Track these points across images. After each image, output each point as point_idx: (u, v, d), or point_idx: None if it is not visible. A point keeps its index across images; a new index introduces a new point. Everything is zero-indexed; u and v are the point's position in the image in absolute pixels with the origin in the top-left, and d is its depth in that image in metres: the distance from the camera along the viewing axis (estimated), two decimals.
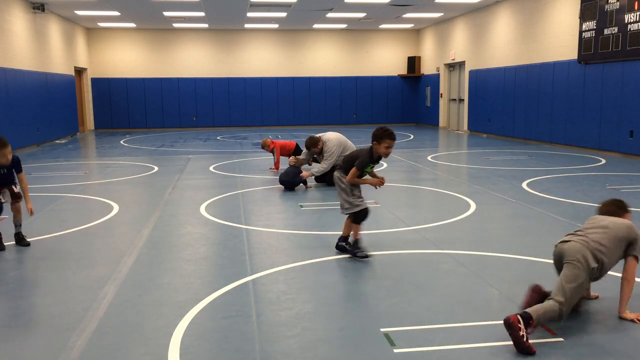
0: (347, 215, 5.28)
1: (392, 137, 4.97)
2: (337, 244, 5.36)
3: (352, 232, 5.27)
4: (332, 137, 9.01)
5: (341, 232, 5.38)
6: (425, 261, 5.19)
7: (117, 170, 11.20)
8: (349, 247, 5.25)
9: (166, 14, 18.41)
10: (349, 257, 5.22)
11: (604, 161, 11.65)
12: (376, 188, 5.29)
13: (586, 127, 13.54)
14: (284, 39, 23.34)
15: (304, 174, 8.84)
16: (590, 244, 3.68)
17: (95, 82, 22.41)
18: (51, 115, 17.29)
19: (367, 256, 5.15)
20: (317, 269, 4.92)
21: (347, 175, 5.12)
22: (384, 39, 23.98)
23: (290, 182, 8.72)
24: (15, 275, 4.89)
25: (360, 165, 5.04)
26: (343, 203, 5.25)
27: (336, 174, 5.31)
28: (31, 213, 5.63)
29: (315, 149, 9.00)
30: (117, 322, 3.83)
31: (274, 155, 10.99)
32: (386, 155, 5.05)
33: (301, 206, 7.57)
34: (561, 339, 3.46)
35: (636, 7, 11.58)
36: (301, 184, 8.93)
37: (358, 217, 5.21)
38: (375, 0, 16.58)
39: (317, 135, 9.16)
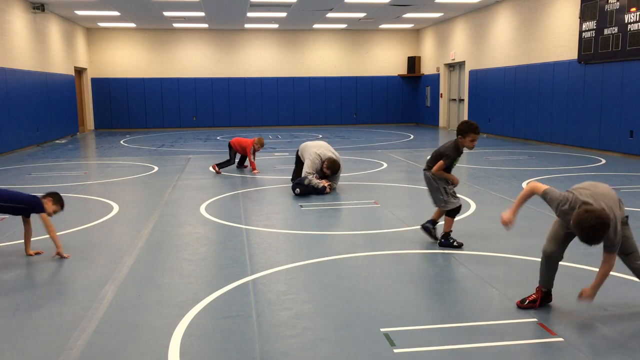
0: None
1: (477, 131, 5.28)
2: (423, 224, 5.68)
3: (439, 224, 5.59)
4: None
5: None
6: (425, 261, 5.19)
7: (117, 170, 11.20)
8: (437, 235, 5.63)
9: (166, 14, 18.41)
10: (348, 257, 5.22)
11: (604, 161, 11.65)
12: (454, 185, 5.54)
13: (586, 127, 13.54)
14: (284, 39, 23.34)
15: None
16: None
17: (95, 82, 22.41)
18: (51, 115, 17.29)
19: (461, 245, 5.44)
20: (317, 269, 4.92)
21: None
22: (384, 39, 23.97)
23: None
24: (15, 275, 4.89)
25: (448, 160, 5.36)
26: (438, 201, 5.53)
27: (428, 174, 5.54)
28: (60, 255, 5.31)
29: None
30: (117, 322, 3.83)
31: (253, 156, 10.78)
32: (471, 147, 5.34)
33: (301, 206, 7.57)
34: (561, 339, 3.47)
35: (634, 9, 11.58)
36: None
37: (453, 212, 5.49)
38: (375, 0, 16.58)
39: (329, 154, 8.55)
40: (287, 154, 13.56)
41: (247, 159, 10.86)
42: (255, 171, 10.52)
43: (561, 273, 4.70)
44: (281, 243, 5.79)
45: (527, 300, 3.97)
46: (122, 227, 6.54)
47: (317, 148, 8.63)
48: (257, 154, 11.32)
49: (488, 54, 18.22)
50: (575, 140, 13.97)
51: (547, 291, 3.98)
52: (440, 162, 5.36)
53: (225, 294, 4.29)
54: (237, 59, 23.20)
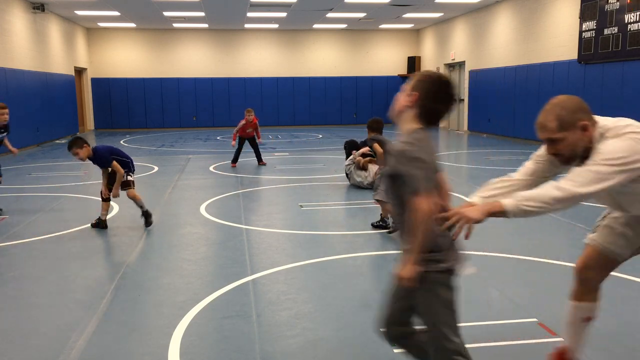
0: None
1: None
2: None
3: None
4: None
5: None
6: None
7: None
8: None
9: (166, 14, 18.41)
10: (348, 257, 5.22)
11: None
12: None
13: None
14: (284, 39, 23.34)
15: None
16: None
17: (95, 82, 22.41)
18: (51, 115, 17.29)
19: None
20: (317, 269, 4.92)
21: None
22: (384, 39, 23.97)
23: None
24: (15, 275, 4.89)
25: None
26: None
27: None
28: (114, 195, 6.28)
29: None
30: (117, 322, 3.83)
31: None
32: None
33: (301, 206, 7.57)
34: (561, 339, 3.46)
35: (632, 9, 11.57)
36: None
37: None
38: (375, 0, 16.58)
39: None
40: (287, 154, 13.57)
41: (256, 147, 11.61)
42: (233, 143, 11.55)
43: (560, 273, 4.70)
44: (281, 243, 5.79)
45: None
46: (122, 227, 6.54)
47: None
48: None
49: (488, 54, 18.22)
50: None
51: None
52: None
53: (225, 294, 4.29)
54: (237, 59, 23.19)
